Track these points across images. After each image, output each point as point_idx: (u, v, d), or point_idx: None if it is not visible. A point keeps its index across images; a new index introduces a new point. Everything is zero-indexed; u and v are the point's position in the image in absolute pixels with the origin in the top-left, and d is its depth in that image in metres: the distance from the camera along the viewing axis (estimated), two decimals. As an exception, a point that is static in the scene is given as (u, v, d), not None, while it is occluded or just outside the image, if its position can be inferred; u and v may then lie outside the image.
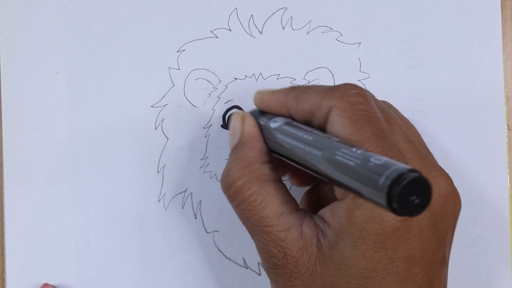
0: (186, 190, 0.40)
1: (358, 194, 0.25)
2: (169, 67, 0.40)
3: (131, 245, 0.40)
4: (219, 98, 0.40)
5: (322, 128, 0.31)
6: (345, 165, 0.26)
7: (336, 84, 0.32)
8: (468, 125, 0.38)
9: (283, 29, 0.40)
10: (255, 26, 0.40)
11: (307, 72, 0.39)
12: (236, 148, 0.33)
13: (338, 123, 0.29)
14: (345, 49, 0.40)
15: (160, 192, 0.40)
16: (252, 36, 0.40)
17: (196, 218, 0.40)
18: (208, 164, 0.39)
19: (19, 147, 0.40)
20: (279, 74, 0.39)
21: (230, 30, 0.40)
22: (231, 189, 0.31)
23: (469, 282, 0.39)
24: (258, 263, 0.39)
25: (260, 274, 0.39)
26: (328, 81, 0.39)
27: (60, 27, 0.40)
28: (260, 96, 0.34)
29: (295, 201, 0.32)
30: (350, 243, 0.28)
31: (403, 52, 0.39)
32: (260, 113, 0.34)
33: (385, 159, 0.25)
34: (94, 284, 0.39)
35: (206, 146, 0.40)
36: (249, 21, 0.40)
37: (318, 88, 0.31)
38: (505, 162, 0.39)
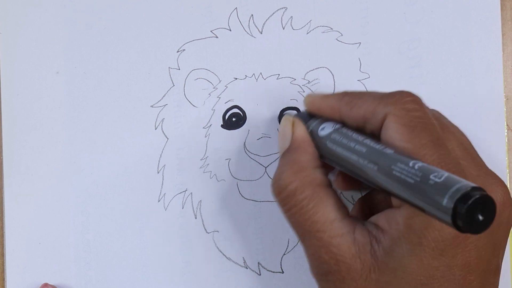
0: (186, 190, 0.40)
1: (419, 208, 0.25)
2: (169, 67, 0.40)
3: (131, 245, 0.40)
4: (219, 98, 0.40)
5: (375, 135, 0.30)
6: (404, 182, 0.26)
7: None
8: (468, 125, 0.38)
9: (283, 29, 0.40)
10: (255, 26, 0.40)
11: (307, 72, 0.39)
12: (288, 152, 0.32)
13: (393, 130, 0.29)
14: (345, 49, 0.40)
15: (160, 192, 0.40)
16: (252, 36, 0.40)
17: (196, 218, 0.40)
18: (208, 164, 0.39)
19: (19, 147, 0.40)
20: (279, 74, 0.39)
21: (230, 30, 0.40)
22: (283, 193, 0.31)
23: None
24: (258, 263, 0.39)
25: (260, 274, 0.39)
26: (328, 81, 0.39)
27: (60, 27, 0.40)
28: (311, 99, 0.34)
29: (346, 208, 0.31)
30: (408, 250, 0.28)
31: (403, 52, 0.39)
32: (309, 116, 0.34)
33: (445, 175, 0.25)
34: (94, 284, 0.39)
35: (206, 146, 0.39)
36: (249, 21, 0.40)
37: (373, 94, 0.31)
38: (505, 162, 0.39)
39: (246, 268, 0.39)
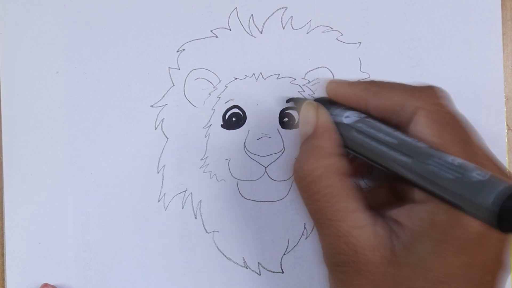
0: (186, 190, 0.40)
1: (453, 205, 0.25)
2: (169, 67, 0.40)
3: (131, 245, 0.40)
4: (219, 98, 0.40)
5: (402, 128, 0.30)
6: (442, 177, 0.25)
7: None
8: (468, 125, 0.38)
9: (283, 28, 0.40)
10: (255, 25, 0.40)
11: (307, 72, 0.39)
12: (312, 138, 0.32)
13: (425, 124, 0.29)
14: (345, 48, 0.40)
15: (160, 192, 0.40)
16: (252, 35, 0.40)
17: (196, 218, 0.40)
18: (208, 164, 0.39)
19: (19, 147, 0.40)
20: (279, 74, 0.39)
21: (230, 30, 0.40)
22: (307, 179, 0.30)
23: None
24: (258, 263, 0.39)
25: (260, 274, 0.39)
26: (328, 81, 0.39)
27: (60, 27, 0.40)
28: (334, 86, 0.33)
29: (367, 200, 0.31)
30: (431, 247, 0.28)
31: (403, 52, 0.39)
32: (329, 103, 0.33)
33: (489, 173, 0.24)
34: (94, 284, 0.40)
35: (206, 146, 0.39)
36: (249, 20, 0.40)
37: (402, 87, 0.31)
38: (505, 162, 0.39)
39: (246, 268, 0.39)
